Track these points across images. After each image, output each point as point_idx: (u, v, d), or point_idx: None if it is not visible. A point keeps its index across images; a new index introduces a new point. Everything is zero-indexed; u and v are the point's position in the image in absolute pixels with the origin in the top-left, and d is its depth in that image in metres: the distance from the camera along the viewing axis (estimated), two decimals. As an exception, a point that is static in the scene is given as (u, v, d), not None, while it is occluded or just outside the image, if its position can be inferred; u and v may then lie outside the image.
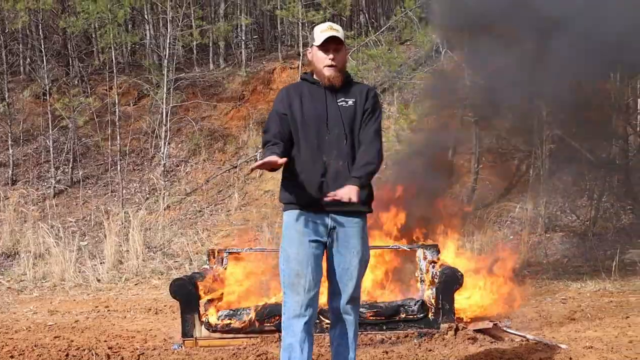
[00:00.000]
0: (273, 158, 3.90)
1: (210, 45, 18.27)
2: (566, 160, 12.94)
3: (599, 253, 10.71)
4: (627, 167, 12.11)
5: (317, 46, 4.16)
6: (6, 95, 16.18)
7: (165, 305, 8.47)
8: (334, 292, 4.20)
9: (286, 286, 4.13)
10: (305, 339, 4.10)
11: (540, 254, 10.89)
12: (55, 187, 14.46)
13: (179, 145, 15.60)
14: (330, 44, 4.12)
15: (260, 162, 3.91)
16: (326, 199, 4.00)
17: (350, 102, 4.19)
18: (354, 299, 4.23)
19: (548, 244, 11.36)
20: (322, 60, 4.15)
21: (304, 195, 4.12)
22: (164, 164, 14.51)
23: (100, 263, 11.06)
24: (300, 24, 16.52)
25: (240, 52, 18.06)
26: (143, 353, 6.02)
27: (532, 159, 12.68)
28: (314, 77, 4.25)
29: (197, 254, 11.43)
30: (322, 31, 4.15)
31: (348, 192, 3.95)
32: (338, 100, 4.18)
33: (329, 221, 4.15)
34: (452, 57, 15.98)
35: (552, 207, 12.43)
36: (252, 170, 4.01)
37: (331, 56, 4.12)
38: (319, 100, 4.18)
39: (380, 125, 4.28)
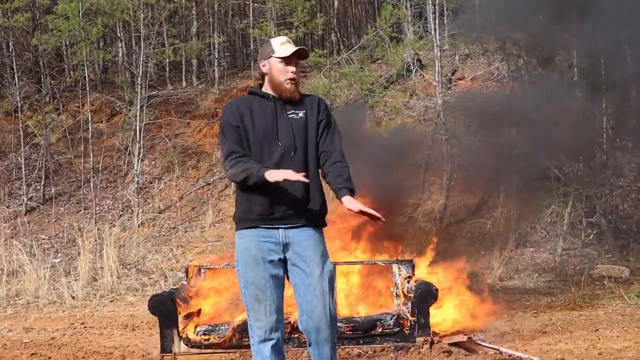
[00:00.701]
0: (294, 175, 3.76)
1: (183, 63, 18.34)
2: (535, 177, 13.21)
3: (569, 268, 10.93)
4: (594, 184, 12.37)
5: (281, 58, 4.02)
6: (-23, 112, 16.10)
7: (141, 322, 8.49)
8: (302, 311, 3.99)
9: (248, 310, 4.01)
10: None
11: (511, 269, 11.07)
12: (27, 204, 14.39)
13: (153, 162, 15.61)
14: (294, 58, 4.05)
15: (286, 177, 3.74)
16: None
17: (300, 114, 4.08)
18: (325, 316, 3.94)
19: (519, 259, 11.56)
20: (284, 73, 4.03)
21: (256, 211, 3.98)
22: (138, 181, 14.51)
23: (75, 280, 11.04)
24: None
25: (213, 70, 18.15)
26: (122, 369, 6.06)
27: (503, 175, 12.90)
28: (263, 90, 4.13)
29: (171, 270, 11.46)
30: (283, 44, 4.05)
31: (357, 206, 3.88)
32: (288, 113, 4.06)
33: (281, 237, 4.00)
34: (423, 75, 16.31)
35: (523, 223, 12.63)
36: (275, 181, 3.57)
37: (293, 69, 4.03)
38: (268, 113, 4.05)
39: (341, 136, 4.16)
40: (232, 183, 4.24)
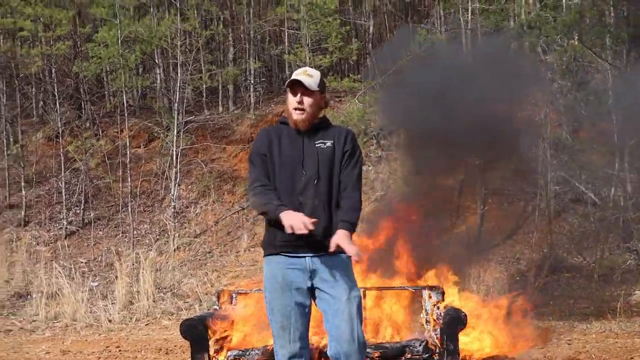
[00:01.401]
0: (302, 227, 3.81)
1: (220, 88, 18.60)
2: (571, 201, 13.12)
3: (605, 294, 10.78)
4: (631, 208, 12.22)
5: (288, 89, 4.12)
6: (19, 138, 16.50)
7: (175, 346, 8.59)
8: (331, 336, 4.02)
9: (274, 337, 4.09)
10: None
11: (546, 296, 10.96)
12: (67, 228, 14.68)
13: (189, 186, 15.82)
14: (297, 88, 4.08)
15: (295, 228, 3.80)
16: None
17: (328, 144, 4.14)
18: (354, 341, 3.95)
19: (554, 285, 11.44)
20: (290, 103, 4.13)
21: (280, 237, 4.01)
22: (174, 205, 14.72)
23: (112, 303, 11.19)
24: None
25: (249, 95, 18.38)
26: (154, 392, 6.15)
27: (538, 200, 12.84)
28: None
29: (206, 294, 11.56)
30: (295, 75, 4.12)
31: (337, 239, 3.91)
32: (316, 142, 4.13)
33: (307, 264, 4.05)
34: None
35: (558, 249, 12.53)
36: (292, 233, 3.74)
37: (298, 99, 4.08)
38: (296, 142, 4.13)
39: (361, 170, 4.23)
40: None
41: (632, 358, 7.21)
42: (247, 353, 6.51)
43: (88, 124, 17.05)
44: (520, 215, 12.99)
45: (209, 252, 13.73)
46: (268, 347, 6.52)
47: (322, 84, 4.18)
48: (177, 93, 15.41)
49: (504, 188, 12.90)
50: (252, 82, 18.58)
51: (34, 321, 10.76)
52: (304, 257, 4.05)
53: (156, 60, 18.62)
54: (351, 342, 3.95)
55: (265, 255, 4.17)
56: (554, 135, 12.67)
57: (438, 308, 6.73)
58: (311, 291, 4.09)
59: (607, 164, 12.16)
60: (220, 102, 18.75)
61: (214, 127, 17.37)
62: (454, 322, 6.39)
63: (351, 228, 4.01)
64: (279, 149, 4.12)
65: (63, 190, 15.21)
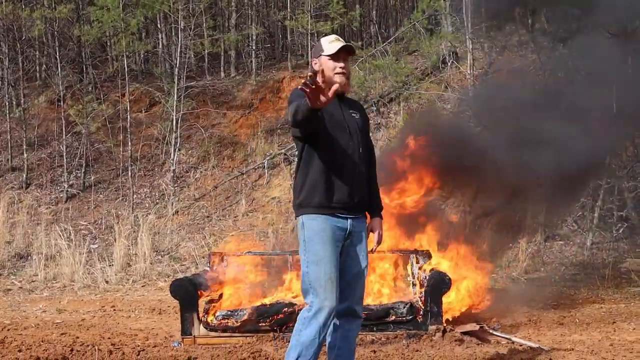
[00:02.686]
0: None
1: (222, 54, 18.61)
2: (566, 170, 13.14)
3: (597, 262, 10.90)
4: (626, 177, 12.27)
5: (329, 55, 4.30)
6: (22, 101, 16.59)
7: (169, 306, 8.75)
8: (345, 294, 4.25)
9: (316, 288, 4.14)
10: (323, 338, 4.23)
11: (538, 262, 11.09)
12: (68, 191, 14.82)
13: (189, 152, 15.92)
14: (342, 54, 4.31)
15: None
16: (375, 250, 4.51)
17: (357, 116, 4.41)
18: (362, 300, 4.41)
19: (547, 252, 11.56)
20: (331, 69, 4.28)
21: (334, 199, 4.21)
22: (174, 170, 14.83)
23: (109, 265, 11.38)
24: (309, 35, 16.83)
25: (251, 61, 18.38)
26: (144, 349, 6.31)
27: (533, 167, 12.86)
28: None
29: (203, 258, 11.71)
30: (331, 42, 4.33)
31: (379, 230, 4.49)
32: (351, 111, 4.39)
33: (348, 225, 4.27)
34: (459, 67, 16.29)
35: (553, 216, 12.60)
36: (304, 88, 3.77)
37: (342, 64, 4.30)
38: (336, 108, 4.29)
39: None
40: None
41: (614, 322, 7.34)
42: (236, 313, 6.67)
43: (90, 88, 17.11)
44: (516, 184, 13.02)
45: (208, 217, 13.87)
46: (256, 308, 6.68)
47: None
48: (179, 58, 15.44)
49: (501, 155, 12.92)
50: (254, 48, 18.57)
51: (33, 281, 10.95)
52: (347, 218, 4.28)
53: (159, 25, 18.62)
54: (360, 304, 4.40)
55: (310, 213, 4.25)
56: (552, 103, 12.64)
57: (424, 271, 6.86)
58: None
59: (604, 133, 12.16)
60: (222, 68, 18.76)
61: (214, 93, 17.42)
62: (438, 285, 6.55)
63: (381, 214, 4.54)
64: (328, 110, 4.16)
65: (64, 154, 15.31)
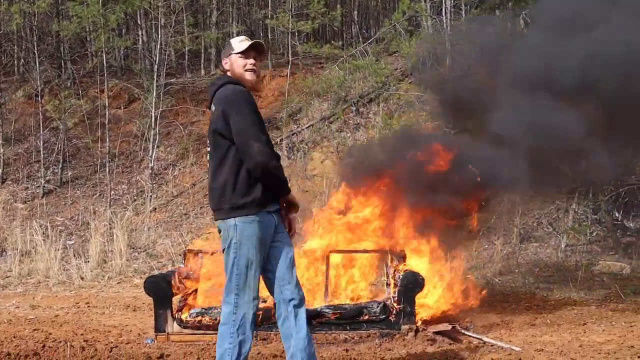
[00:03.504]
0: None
1: (202, 51, 18.58)
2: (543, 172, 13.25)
3: (570, 264, 11.00)
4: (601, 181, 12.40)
5: (239, 53, 4.46)
6: (-1, 95, 16.48)
7: (143, 303, 8.73)
8: (285, 282, 4.37)
9: (241, 289, 4.27)
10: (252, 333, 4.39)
11: (512, 264, 11.17)
12: (44, 186, 14.74)
13: (168, 148, 15.89)
14: (251, 52, 4.49)
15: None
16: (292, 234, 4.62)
17: None
18: (299, 284, 4.49)
19: (521, 254, 11.66)
20: (242, 66, 4.46)
21: (267, 195, 4.33)
22: (152, 166, 14.79)
23: (85, 262, 11.33)
24: (289, 34, 16.84)
25: (232, 59, 18.35)
26: (116, 346, 6.30)
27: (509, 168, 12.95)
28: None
29: (180, 255, 11.69)
30: (241, 41, 4.51)
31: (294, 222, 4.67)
32: None
33: (275, 219, 4.43)
34: (438, 69, 16.35)
35: (529, 219, 12.73)
36: None
37: (252, 61, 4.48)
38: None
39: None
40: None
41: (585, 324, 7.41)
42: (210, 311, 6.67)
43: (68, 84, 17.02)
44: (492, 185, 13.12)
45: (185, 214, 13.85)
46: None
47: None
48: (159, 55, 15.39)
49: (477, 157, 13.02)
50: (236, 45, 18.54)
51: (7, 277, 10.88)
52: (276, 212, 4.45)
53: (138, 22, 18.55)
54: (300, 285, 4.49)
55: (244, 215, 4.27)
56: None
57: (398, 271, 6.90)
58: None
59: (580, 137, 12.28)
60: (202, 65, 18.74)
61: (194, 90, 17.40)
62: (412, 285, 6.59)
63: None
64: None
65: (41, 149, 15.22)
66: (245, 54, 4.47)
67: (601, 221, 12.31)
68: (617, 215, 12.52)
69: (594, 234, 11.95)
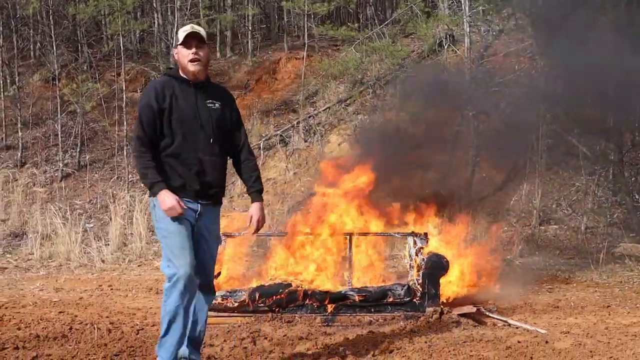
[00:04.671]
0: (177, 206, 4.39)
1: (218, 34, 18.53)
2: (563, 154, 13.20)
3: (591, 246, 10.96)
4: (621, 162, 12.34)
5: (180, 44, 4.48)
6: (16, 79, 16.50)
7: (166, 286, 8.77)
8: (199, 271, 4.52)
9: (172, 256, 4.42)
10: (190, 304, 4.52)
11: (533, 246, 11.15)
12: (63, 170, 14.78)
13: (185, 131, 15.86)
14: (192, 40, 4.46)
15: (170, 212, 4.39)
16: (252, 233, 4.82)
17: (217, 105, 4.59)
18: (211, 280, 4.73)
19: (541, 236, 11.63)
20: (186, 56, 4.47)
21: (185, 186, 4.48)
22: (169, 149, 14.77)
23: (105, 245, 11.37)
24: (305, 16, 16.75)
25: (247, 42, 18.32)
26: (142, 328, 6.33)
27: (529, 153, 12.92)
28: (181, 74, 4.56)
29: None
30: (184, 31, 4.48)
31: (259, 213, 4.68)
32: (207, 102, 4.56)
33: (198, 207, 4.53)
34: (455, 50, 16.26)
35: (548, 201, 12.68)
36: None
37: (194, 50, 4.46)
38: (189, 99, 4.51)
39: (246, 134, 4.84)
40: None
41: (609, 306, 7.40)
42: (234, 293, 6.69)
43: (85, 67, 17.02)
44: (511, 168, 13.08)
45: (204, 197, 13.85)
46: (254, 288, 6.71)
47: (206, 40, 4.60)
48: (174, 38, 15.36)
49: (496, 140, 12.96)
50: (250, 28, 18.51)
51: (29, 260, 10.94)
52: (197, 202, 4.54)
53: (154, 4, 18.51)
54: (211, 276, 4.75)
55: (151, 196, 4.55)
56: (548, 88, 12.69)
57: (422, 253, 6.90)
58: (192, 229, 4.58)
59: (601, 119, 12.21)
60: (217, 48, 18.69)
61: (210, 73, 17.12)
62: (437, 267, 6.59)
63: (260, 197, 4.75)
64: (175, 103, 4.48)
65: (59, 133, 15.24)
66: (185, 44, 4.47)
67: (621, 203, 12.25)
68: (637, 197, 12.46)
69: (615, 215, 11.89)
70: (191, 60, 4.47)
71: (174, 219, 4.40)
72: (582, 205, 12.43)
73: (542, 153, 12.82)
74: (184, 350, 4.63)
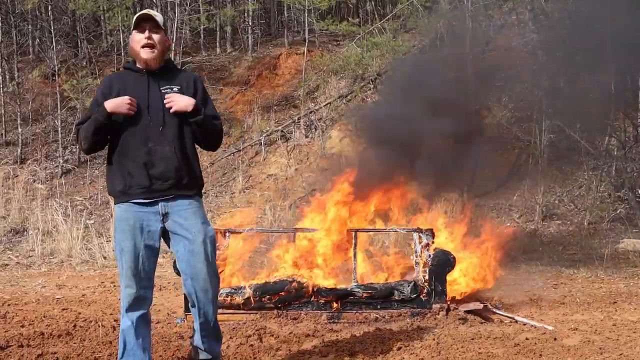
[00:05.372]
0: (124, 101, 4.02)
1: (218, 29, 18.47)
2: (565, 150, 13.17)
3: (594, 241, 10.94)
4: (624, 158, 12.31)
5: (134, 29, 4.17)
6: (16, 75, 16.45)
7: (168, 282, 8.73)
8: (186, 275, 4.19)
9: (122, 276, 4.13)
10: (140, 328, 4.17)
11: (536, 242, 11.11)
12: (63, 166, 14.73)
13: (185, 127, 15.81)
14: (145, 24, 4.12)
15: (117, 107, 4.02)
16: (166, 102, 4.11)
17: (175, 89, 4.18)
18: (211, 278, 4.19)
19: (544, 232, 11.60)
20: (138, 42, 4.14)
21: (131, 184, 4.09)
22: (170, 145, 14.72)
23: (107, 241, 11.31)
24: (306, 11, 16.70)
25: (247, 37, 18.26)
26: (147, 326, 6.28)
27: (532, 148, 12.89)
28: (137, 65, 4.24)
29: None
30: (139, 14, 4.18)
31: (182, 99, 4.10)
32: (162, 88, 4.17)
33: (160, 208, 4.14)
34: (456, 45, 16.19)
35: (550, 196, 12.65)
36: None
37: (147, 34, 4.10)
38: (141, 87, 4.15)
39: (216, 110, 4.37)
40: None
41: (615, 302, 7.36)
42: (239, 290, 6.65)
43: (84, 63, 16.95)
44: (514, 163, 13.04)
45: (204, 193, 13.75)
46: (258, 285, 6.67)
47: (165, 26, 4.24)
48: (175, 33, 15.31)
49: (499, 135, 12.94)
50: (250, 24, 18.44)
51: (30, 256, 10.89)
52: (157, 202, 4.13)
53: (154, 0, 18.44)
54: (208, 279, 4.16)
55: (117, 203, 4.19)
56: (550, 82, 12.65)
57: (427, 250, 6.85)
58: (163, 233, 4.19)
59: (603, 114, 12.18)
60: (218, 44, 18.64)
61: (211, 69, 17.31)
62: (443, 264, 6.55)
63: (199, 112, 4.14)
64: (125, 93, 4.11)
65: (59, 129, 15.19)
66: (138, 28, 4.15)
67: (624, 198, 12.22)
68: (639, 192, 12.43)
69: (618, 211, 11.86)
70: (143, 46, 4.12)
71: (127, 233, 4.08)
72: (584, 201, 12.40)
73: (544, 148, 12.79)
74: (197, 340, 4.31)
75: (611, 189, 12.49)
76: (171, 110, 4.11)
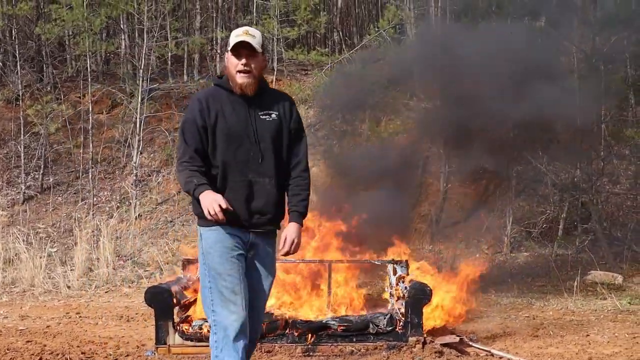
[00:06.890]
0: (221, 202, 3.75)
1: (185, 57, 18.36)
2: (531, 181, 13.29)
3: (562, 273, 10.99)
4: (590, 190, 12.44)
5: (230, 51, 3.96)
6: (-22, 99, 16.13)
7: (137, 313, 8.55)
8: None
9: (218, 303, 3.89)
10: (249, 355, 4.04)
11: (505, 273, 11.13)
12: (25, 192, 14.41)
13: (151, 155, 15.64)
14: (242, 49, 3.91)
15: (211, 211, 3.72)
16: (281, 254, 4.03)
17: (273, 116, 4.01)
18: (261, 321, 4.24)
19: (513, 264, 11.64)
20: (234, 66, 3.94)
21: (229, 214, 3.82)
22: (136, 173, 14.55)
23: (71, 270, 11.07)
24: (275, 40, 16.70)
25: (215, 65, 18.17)
26: (116, 359, 6.12)
27: (500, 179, 12.96)
28: (231, 84, 4.01)
29: (167, 263, 11.50)
30: (237, 36, 3.94)
31: (295, 235, 3.99)
32: (261, 113, 3.99)
33: (250, 237, 4.00)
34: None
35: (518, 228, 12.71)
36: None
37: (244, 61, 3.91)
38: (241, 112, 3.97)
39: (307, 148, 4.17)
40: None
41: (588, 335, 7.37)
42: (211, 322, 6.50)
43: (49, 88, 16.68)
44: (482, 195, 13.11)
45: (171, 221, 13.63)
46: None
47: (263, 45, 4.05)
48: (142, 60, 15.17)
49: (467, 167, 12.99)
50: (219, 51, 18.37)
51: (-10, 286, 10.61)
52: (249, 232, 4.00)
53: (122, 26, 18.28)
54: (259, 322, 4.20)
55: (206, 225, 3.95)
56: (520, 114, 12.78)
57: (403, 282, 6.81)
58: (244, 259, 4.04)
59: (570, 146, 12.31)
60: (185, 71, 18.51)
61: (178, 96, 17.15)
62: (420, 296, 6.49)
63: (300, 219, 4.06)
64: (224, 119, 3.94)
65: (22, 154, 14.88)
66: (235, 53, 3.95)
67: (591, 230, 12.32)
68: (606, 224, 12.56)
69: (585, 243, 11.96)
70: (239, 72, 3.92)
71: (226, 254, 3.89)
72: (551, 233, 12.49)
73: (512, 179, 12.86)
74: None
75: (578, 221, 12.60)
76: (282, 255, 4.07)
